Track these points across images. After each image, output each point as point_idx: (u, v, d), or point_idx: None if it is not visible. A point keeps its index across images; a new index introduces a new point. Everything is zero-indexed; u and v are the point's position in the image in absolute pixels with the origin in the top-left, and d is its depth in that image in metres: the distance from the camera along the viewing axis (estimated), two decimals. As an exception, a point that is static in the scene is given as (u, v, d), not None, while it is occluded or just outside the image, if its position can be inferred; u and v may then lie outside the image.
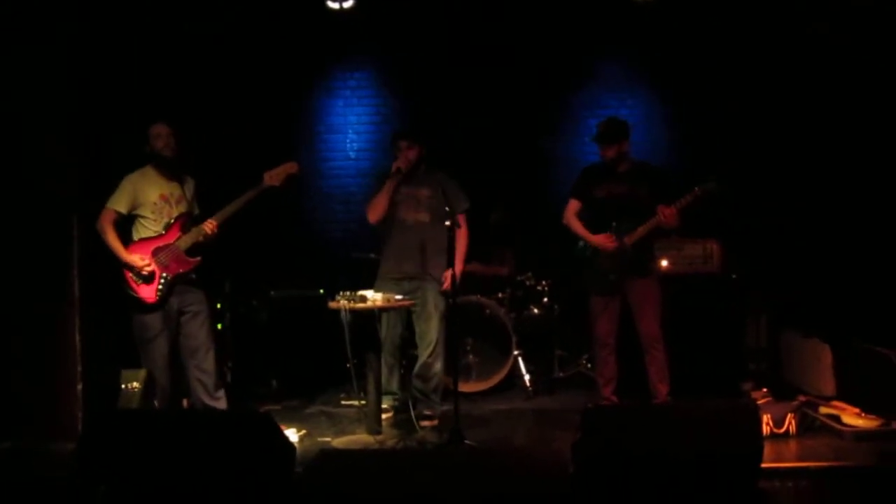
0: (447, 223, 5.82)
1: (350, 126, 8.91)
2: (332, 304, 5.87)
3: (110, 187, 5.79)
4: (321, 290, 7.34)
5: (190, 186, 6.05)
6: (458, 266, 6.22)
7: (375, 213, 6.35)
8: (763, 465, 4.39)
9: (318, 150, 8.84)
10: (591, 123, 8.49)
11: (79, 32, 5.78)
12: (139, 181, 5.86)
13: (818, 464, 5.11)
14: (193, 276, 5.91)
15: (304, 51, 8.58)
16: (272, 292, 7.64)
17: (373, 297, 5.85)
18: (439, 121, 8.36)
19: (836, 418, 5.77)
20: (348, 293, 5.83)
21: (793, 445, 5.58)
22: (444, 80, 8.53)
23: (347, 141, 8.90)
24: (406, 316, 6.49)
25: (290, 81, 8.66)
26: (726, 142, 8.05)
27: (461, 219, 6.35)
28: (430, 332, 6.36)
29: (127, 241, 5.78)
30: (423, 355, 6.39)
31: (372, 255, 6.86)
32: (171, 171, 5.93)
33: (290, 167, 6.06)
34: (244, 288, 7.45)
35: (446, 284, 6.24)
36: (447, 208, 5.92)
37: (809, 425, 5.85)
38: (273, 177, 5.99)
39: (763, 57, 7.96)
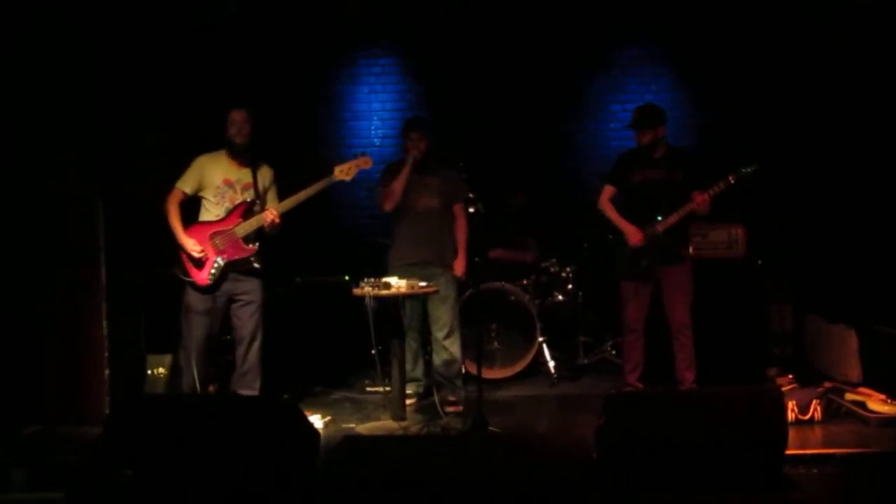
0: (471, 209, 5.84)
1: (374, 113, 8.92)
2: (357, 291, 5.89)
3: (134, 174, 5.84)
4: (346, 277, 7.35)
5: (265, 176, 6.06)
6: (463, 254, 6.44)
7: (391, 200, 6.43)
8: (788, 452, 4.40)
9: (343, 137, 8.86)
10: (615, 109, 8.52)
11: (103, 22, 5.80)
12: (207, 163, 5.93)
13: (843, 450, 5.08)
14: (256, 265, 5.93)
15: (329, 38, 8.60)
16: (297, 279, 7.66)
17: (397, 283, 5.87)
18: (463, 107, 8.37)
19: (862, 405, 5.73)
20: (372, 280, 5.85)
21: (818, 432, 5.56)
22: (468, 66, 8.51)
23: (372, 128, 8.91)
24: (424, 302, 6.53)
25: (315, 68, 8.69)
26: (752, 126, 8.00)
27: (458, 209, 6.46)
28: (443, 316, 6.43)
29: (192, 222, 5.86)
30: (439, 339, 6.45)
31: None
32: (243, 157, 5.96)
33: (362, 162, 6.07)
34: (269, 274, 7.48)
35: (459, 271, 6.35)
36: (470, 195, 5.98)
37: (835, 412, 5.82)
38: (344, 171, 5.99)
39: (791, 37, 7.89)
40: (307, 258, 7.85)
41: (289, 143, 6.22)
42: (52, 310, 5.61)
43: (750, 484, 4.21)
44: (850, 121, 7.46)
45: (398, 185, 6.37)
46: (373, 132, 8.91)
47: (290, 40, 8.39)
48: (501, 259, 7.83)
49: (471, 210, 6.20)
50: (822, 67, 7.72)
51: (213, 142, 5.98)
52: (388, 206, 6.47)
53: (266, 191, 6.04)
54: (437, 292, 6.27)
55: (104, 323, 5.60)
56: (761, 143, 7.73)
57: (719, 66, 8.23)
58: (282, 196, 6.00)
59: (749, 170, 5.97)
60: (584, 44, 8.54)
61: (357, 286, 5.93)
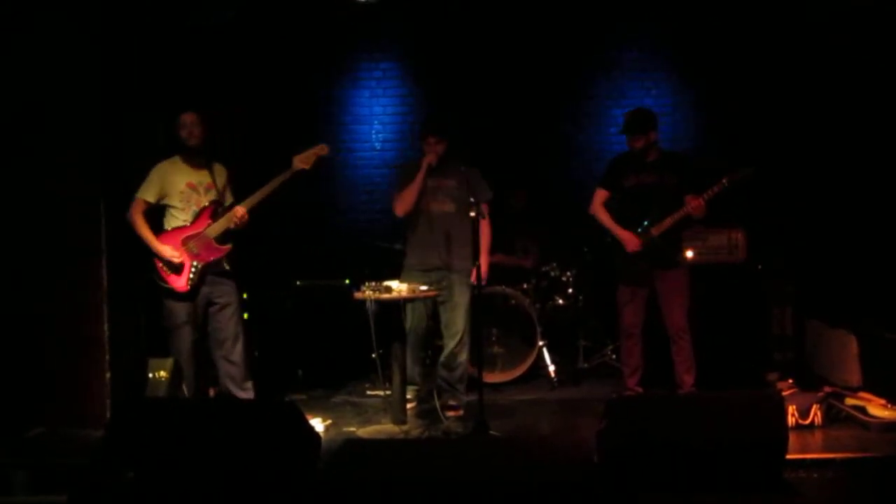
0: (472, 214, 5.82)
1: (375, 117, 8.92)
2: (358, 295, 5.89)
3: (137, 176, 5.83)
4: (346, 280, 7.35)
5: (221, 174, 6.06)
6: (485, 257, 6.29)
7: (404, 205, 6.31)
8: (788, 457, 4.37)
9: (344, 141, 8.85)
10: (616, 113, 8.51)
11: (103, 22, 5.79)
12: (167, 170, 5.90)
13: (843, 455, 5.09)
14: (226, 265, 5.94)
15: (330, 41, 8.60)
16: (297, 282, 7.66)
17: (398, 287, 5.87)
18: (464, 111, 8.34)
19: (862, 409, 5.74)
20: (373, 283, 5.84)
21: (818, 436, 5.56)
22: (468, 70, 8.51)
23: (373, 132, 8.91)
24: (431, 306, 6.50)
25: (316, 72, 8.69)
26: (753, 128, 8.00)
27: (485, 208, 6.30)
28: (456, 322, 6.36)
29: (159, 231, 5.83)
30: (450, 345, 6.40)
31: (397, 246, 6.86)
32: (199, 159, 5.95)
33: (319, 149, 6.04)
34: (269, 278, 7.47)
35: (474, 277, 6.29)
36: (472, 199, 5.93)
37: (835, 416, 5.83)
38: (303, 160, 5.96)
39: (791, 37, 7.88)
40: (306, 262, 7.85)
41: (289, 146, 6.19)
42: (52, 311, 5.60)
43: (750, 488, 4.20)
44: (850, 121, 7.45)
45: (412, 190, 6.27)
46: (374, 136, 8.91)
47: (290, 42, 8.38)
48: (501, 263, 7.83)
49: (471, 214, 6.16)
50: (822, 67, 7.70)
51: (213, 142, 5.98)
52: (401, 211, 6.36)
53: (224, 189, 6.05)
54: (440, 296, 6.26)
55: (105, 325, 5.60)
56: (762, 144, 7.73)
57: (720, 68, 8.23)
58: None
59: (744, 172, 5.98)
60: (585, 45, 8.55)
61: (357, 290, 5.92)
